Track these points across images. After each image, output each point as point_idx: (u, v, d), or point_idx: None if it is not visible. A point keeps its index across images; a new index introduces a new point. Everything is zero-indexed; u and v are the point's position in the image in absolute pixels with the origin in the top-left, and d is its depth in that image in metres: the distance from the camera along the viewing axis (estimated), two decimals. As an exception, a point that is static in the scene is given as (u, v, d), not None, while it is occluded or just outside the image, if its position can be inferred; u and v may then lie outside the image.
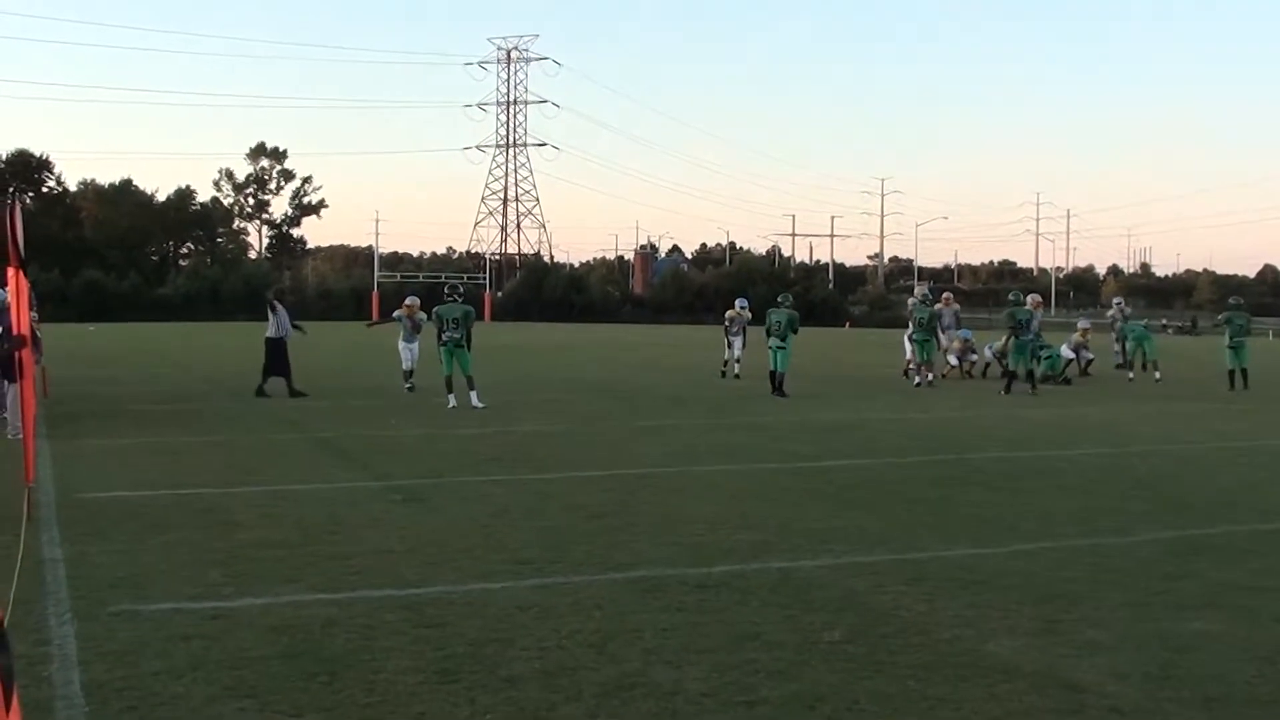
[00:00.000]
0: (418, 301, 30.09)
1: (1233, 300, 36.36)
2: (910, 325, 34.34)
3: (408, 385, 28.22)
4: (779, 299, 30.45)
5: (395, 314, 30.10)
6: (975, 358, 36.67)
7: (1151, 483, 16.20)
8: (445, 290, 26.60)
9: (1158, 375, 35.18)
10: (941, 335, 34.87)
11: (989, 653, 8.23)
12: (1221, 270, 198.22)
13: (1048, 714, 7.10)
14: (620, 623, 8.77)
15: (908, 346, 34.76)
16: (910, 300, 38.65)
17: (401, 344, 29.03)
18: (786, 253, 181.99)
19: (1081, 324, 39.43)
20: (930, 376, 32.80)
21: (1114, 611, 9.35)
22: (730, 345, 34.77)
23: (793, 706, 7.14)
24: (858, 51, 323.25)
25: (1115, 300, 39.87)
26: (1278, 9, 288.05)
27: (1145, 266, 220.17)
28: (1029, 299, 31.82)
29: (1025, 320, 30.47)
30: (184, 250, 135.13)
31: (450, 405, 24.31)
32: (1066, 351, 36.15)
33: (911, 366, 34.32)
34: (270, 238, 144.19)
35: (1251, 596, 9.91)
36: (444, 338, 24.99)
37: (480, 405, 24.26)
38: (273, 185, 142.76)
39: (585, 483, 15.48)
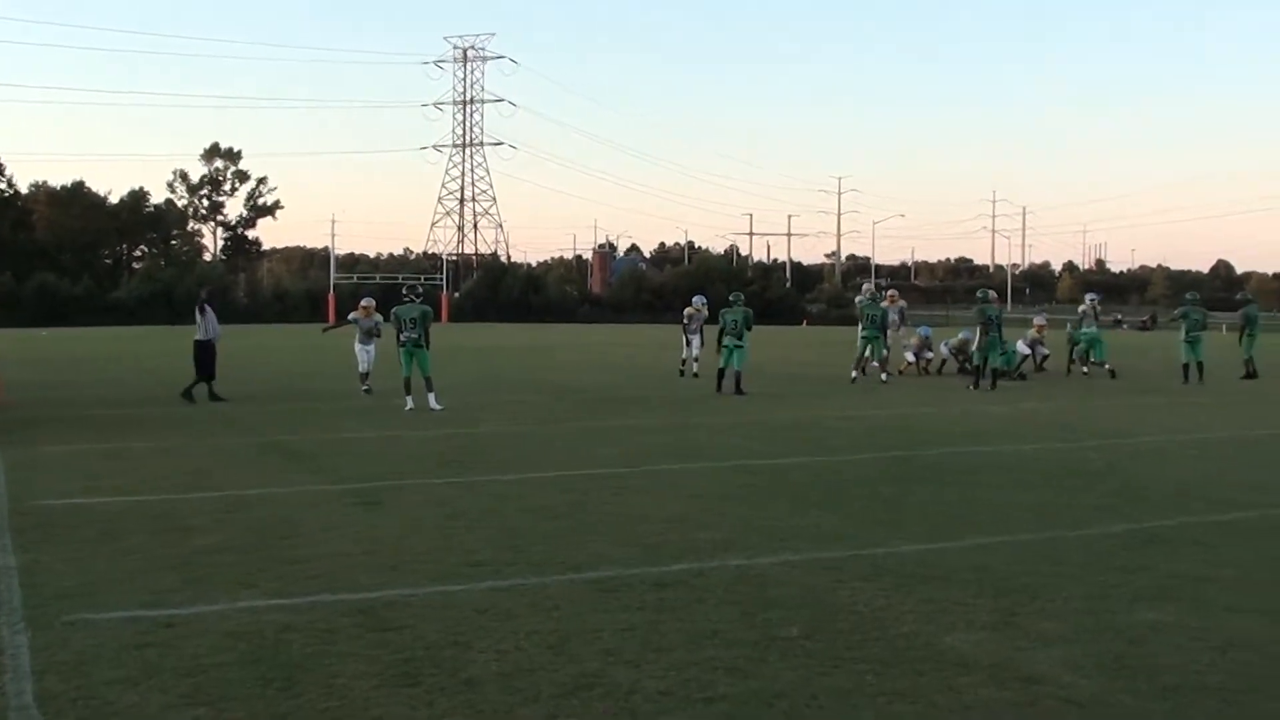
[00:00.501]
0: (373, 303, 29.84)
1: (1189, 296, 36.62)
2: (860, 322, 34.48)
3: (364, 388, 28.09)
4: (731, 298, 30.58)
5: (351, 316, 29.88)
6: (931, 355, 36.79)
7: (1106, 476, 16.27)
8: (404, 291, 26.43)
9: (1111, 372, 35.24)
10: (888, 333, 35.11)
11: (946, 646, 8.26)
12: (1176, 266, 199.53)
13: (1005, 706, 7.13)
14: (578, 623, 8.76)
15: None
16: (858, 298, 38.78)
17: (358, 346, 28.82)
18: (744, 252, 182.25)
19: (1037, 320, 39.62)
20: (884, 376, 32.88)
21: (1070, 604, 9.40)
22: (689, 343, 34.76)
23: (751, 703, 7.15)
24: (815, 51, 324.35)
25: (1089, 296, 39.95)
26: (1228, 8, 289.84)
27: (1100, 263, 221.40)
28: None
29: (994, 317, 30.86)
30: (138, 253, 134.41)
31: (408, 407, 24.25)
32: (1022, 347, 36.28)
33: (875, 363, 34.52)
34: (225, 240, 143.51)
35: (1205, 587, 9.98)
36: (402, 338, 24.92)
37: (438, 408, 24.20)
38: (227, 187, 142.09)
39: (543, 484, 15.46)
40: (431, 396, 24.55)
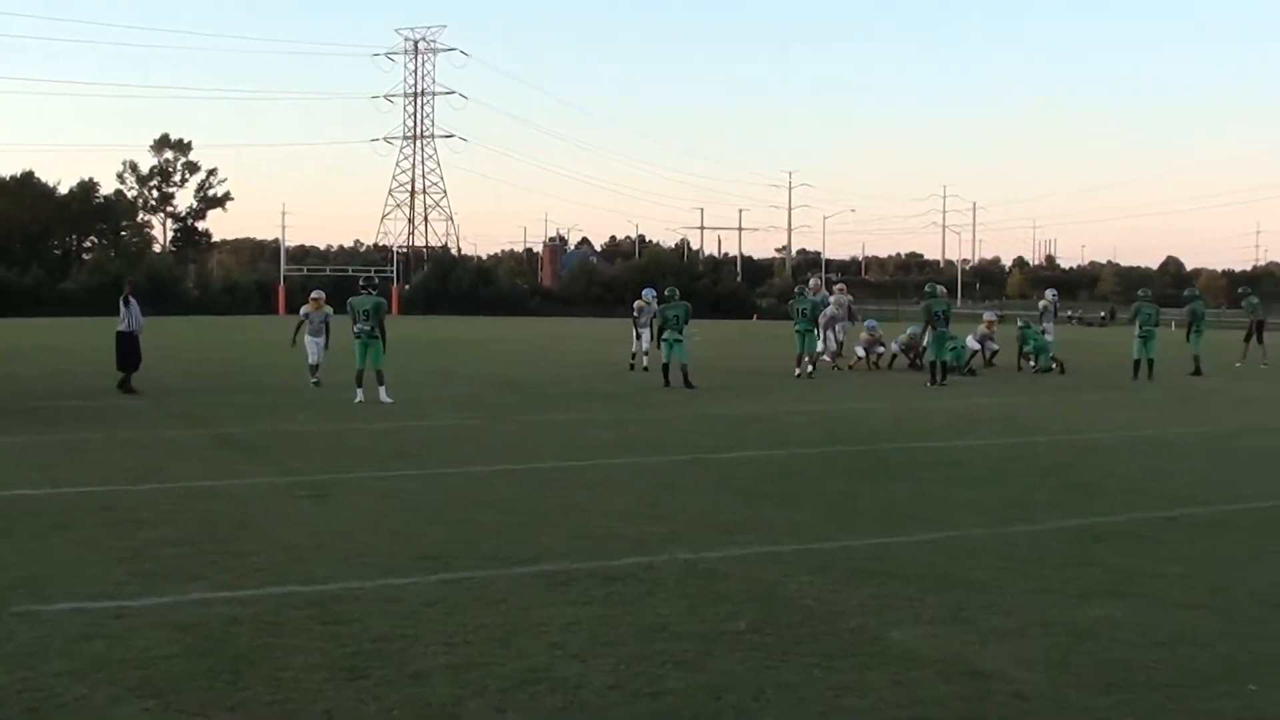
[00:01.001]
0: (323, 295, 29.70)
1: (1141, 292, 36.98)
2: (792, 317, 34.70)
3: (314, 380, 27.96)
4: (667, 293, 30.76)
5: (302, 310, 29.72)
6: (882, 349, 36.90)
7: (1056, 472, 16.37)
8: (360, 283, 26.46)
9: (1060, 366, 35.44)
10: (835, 328, 35.51)
11: (894, 641, 8.29)
12: (1125, 262, 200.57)
13: (953, 701, 7.15)
14: (527, 617, 8.75)
15: (825, 337, 35.31)
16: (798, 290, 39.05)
17: (308, 339, 28.68)
18: (695, 246, 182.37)
19: (987, 315, 39.78)
20: (811, 369, 33.02)
21: (1018, 599, 9.44)
22: (639, 336, 34.80)
23: (699, 697, 7.16)
24: (767, 45, 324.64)
25: (1049, 292, 40.21)
26: (1177, 5, 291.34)
27: (1050, 259, 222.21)
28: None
29: (942, 312, 31.11)
30: (87, 244, 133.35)
31: (358, 400, 24.15)
32: (972, 343, 36.43)
33: (826, 357, 34.82)
34: (175, 231, 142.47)
35: (1153, 583, 10.05)
36: (356, 329, 24.84)
37: (388, 401, 24.07)
38: (177, 178, 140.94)
39: (493, 477, 15.45)
40: (382, 390, 24.43)
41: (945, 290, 34.71)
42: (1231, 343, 41.88)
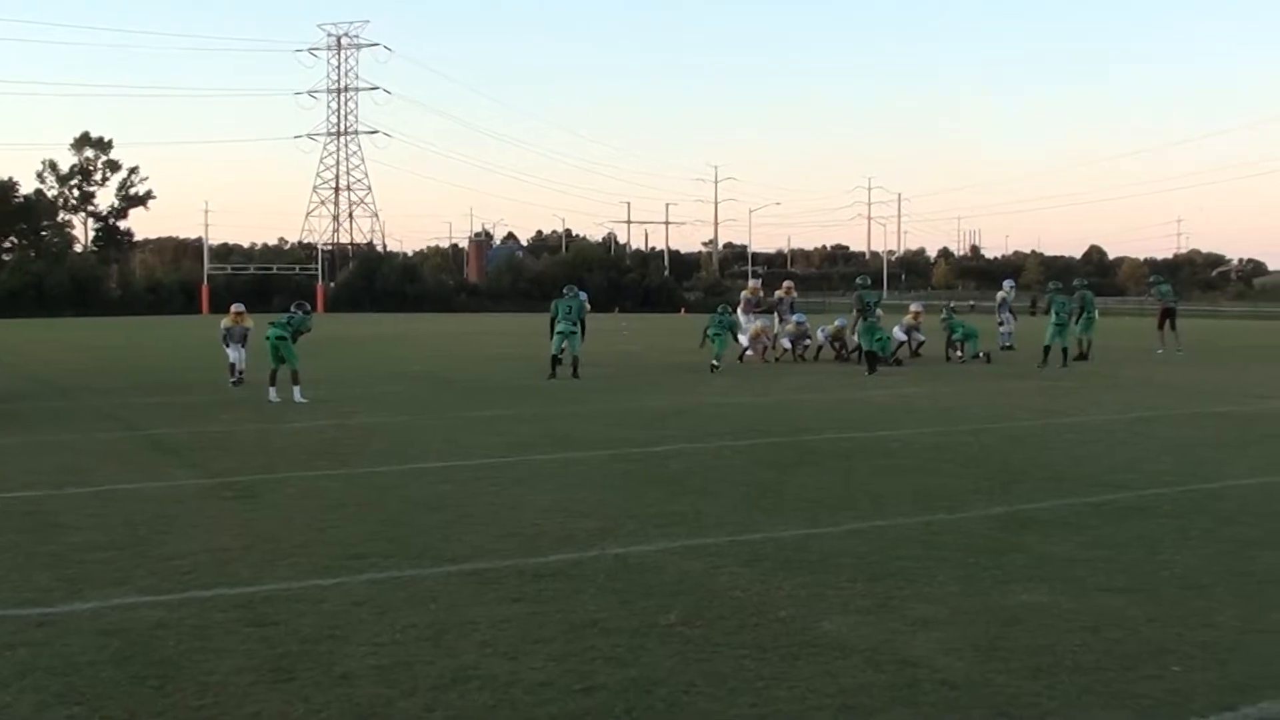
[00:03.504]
0: (244, 309, 29.39)
1: (1052, 284, 37.73)
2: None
3: (233, 379, 27.77)
4: (565, 290, 31.39)
5: (222, 324, 29.34)
6: (809, 341, 37.04)
7: (982, 460, 16.49)
8: (292, 306, 26.46)
9: (986, 356, 35.81)
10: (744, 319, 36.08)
11: (823, 631, 8.32)
12: (1050, 251, 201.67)
13: (881, 689, 7.19)
14: (456, 615, 8.73)
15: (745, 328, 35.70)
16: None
17: (228, 345, 28.50)
18: (622, 240, 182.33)
19: (913, 306, 39.98)
20: (717, 364, 33.23)
21: (945, 587, 9.51)
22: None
23: (630, 691, 7.16)
24: (691, 39, 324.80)
25: (1007, 283, 40.60)
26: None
27: (975, 249, 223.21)
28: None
29: (873, 303, 31.88)
30: (7, 244, 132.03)
31: (271, 399, 24.13)
32: (898, 334, 36.68)
33: (746, 354, 35.19)
34: (97, 230, 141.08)
35: (1077, 568, 10.15)
36: (268, 331, 25.03)
37: (302, 400, 24.05)
38: (98, 176, 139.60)
39: (420, 475, 15.40)
40: (296, 390, 24.39)
41: (872, 282, 35.18)
42: (1149, 330, 42.24)
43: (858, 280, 35.09)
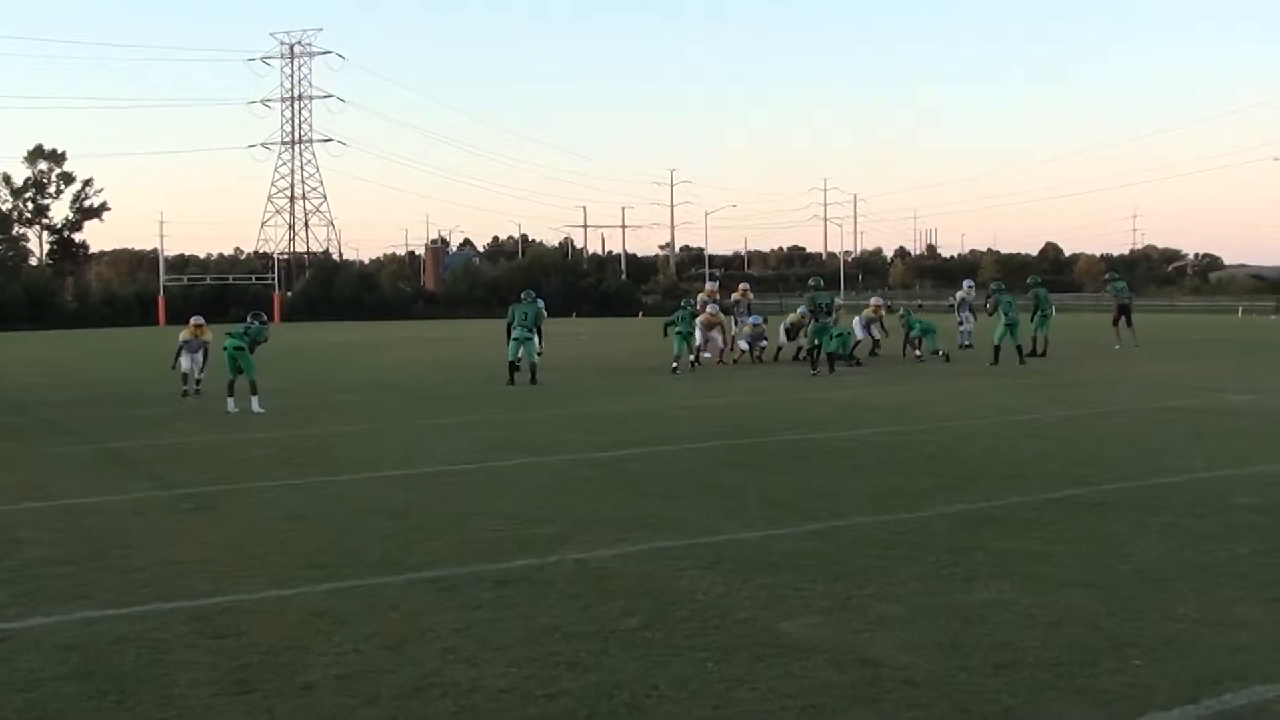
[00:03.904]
0: (203, 321, 29.14)
1: (993, 285, 38.22)
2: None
3: (184, 389, 27.51)
4: (522, 295, 31.46)
5: (180, 336, 29.06)
6: (765, 343, 37.14)
7: (940, 458, 16.54)
8: (249, 316, 26.58)
9: (945, 357, 35.97)
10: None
11: (785, 632, 8.34)
12: (1006, 249, 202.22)
13: (844, 689, 7.20)
14: (417, 623, 8.71)
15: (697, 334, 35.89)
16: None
17: (183, 356, 28.26)
18: (579, 244, 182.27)
19: (874, 300, 40.17)
20: (676, 366, 33.64)
21: (905, 585, 9.53)
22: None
23: (592, 696, 7.16)
24: (644, 43, 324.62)
25: (966, 282, 40.87)
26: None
27: (931, 248, 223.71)
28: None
29: (825, 304, 32.66)
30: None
31: (229, 409, 24.05)
32: (859, 330, 36.80)
33: (703, 355, 35.38)
34: (51, 243, 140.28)
35: (1037, 564, 10.20)
36: (225, 341, 24.96)
37: (260, 410, 23.98)
38: (52, 189, 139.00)
39: (379, 483, 15.36)
40: (254, 400, 24.35)
41: (824, 283, 35.57)
42: (1105, 326, 42.41)
43: (810, 282, 35.55)
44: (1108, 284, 41.59)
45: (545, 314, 33.14)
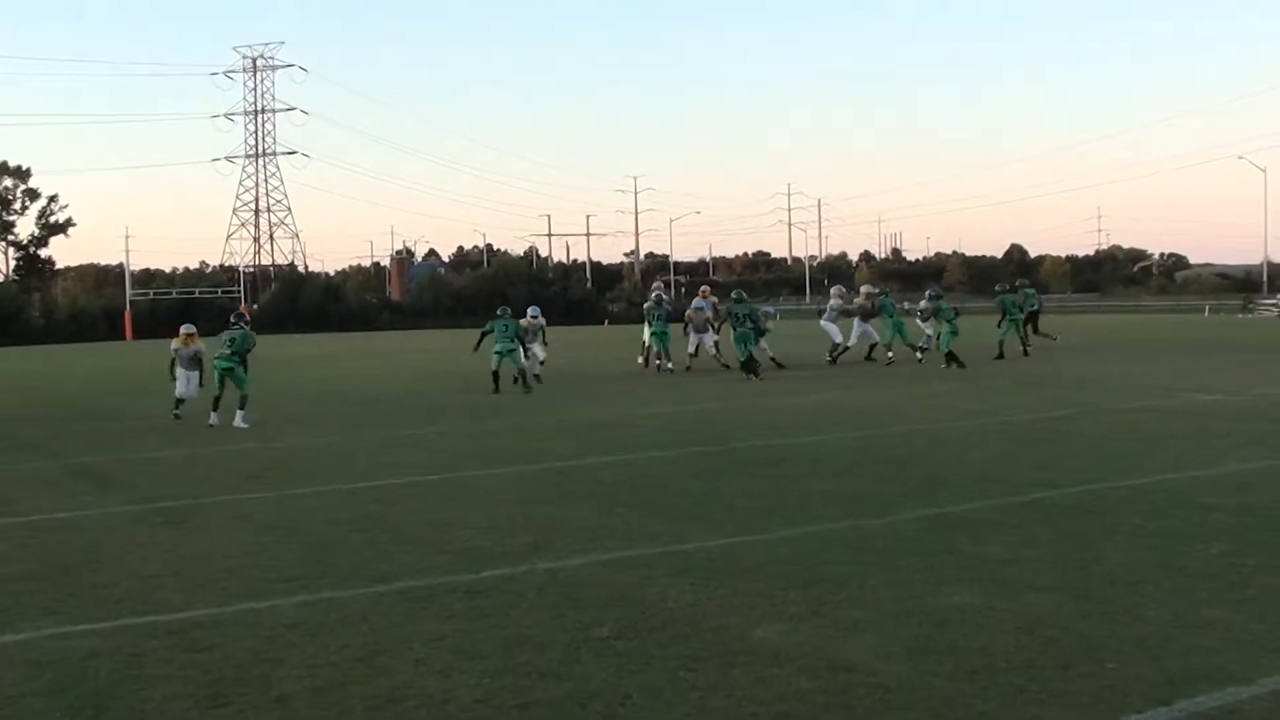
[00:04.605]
0: (194, 330, 27.81)
1: (931, 293, 38.37)
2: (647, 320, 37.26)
3: (175, 412, 26.08)
4: (499, 311, 31.57)
5: (172, 346, 28.11)
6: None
7: (909, 463, 16.58)
8: (231, 318, 26.34)
9: (919, 356, 36.25)
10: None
11: (757, 639, 8.34)
12: (971, 251, 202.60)
13: (817, 695, 7.21)
14: (389, 635, 8.70)
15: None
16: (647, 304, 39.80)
17: (180, 371, 26.44)
18: (544, 253, 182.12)
19: (865, 289, 40.69)
20: (671, 365, 35.35)
21: (877, 591, 9.55)
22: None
23: (565, 706, 7.16)
24: (605, 51, 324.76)
25: (928, 291, 41.12)
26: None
27: (896, 251, 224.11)
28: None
29: (743, 314, 33.98)
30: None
31: (211, 422, 24.06)
32: (831, 329, 37.25)
33: (653, 359, 35.83)
34: (17, 259, 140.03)
35: (1008, 568, 10.22)
36: (216, 355, 24.86)
37: (243, 426, 23.87)
38: (17, 205, 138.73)
39: (349, 495, 15.33)
40: (240, 414, 24.25)
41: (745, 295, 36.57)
42: (1065, 326, 42.65)
43: (732, 295, 36.30)
44: (1017, 290, 41.83)
45: (543, 321, 33.57)
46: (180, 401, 26.05)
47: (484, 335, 31.12)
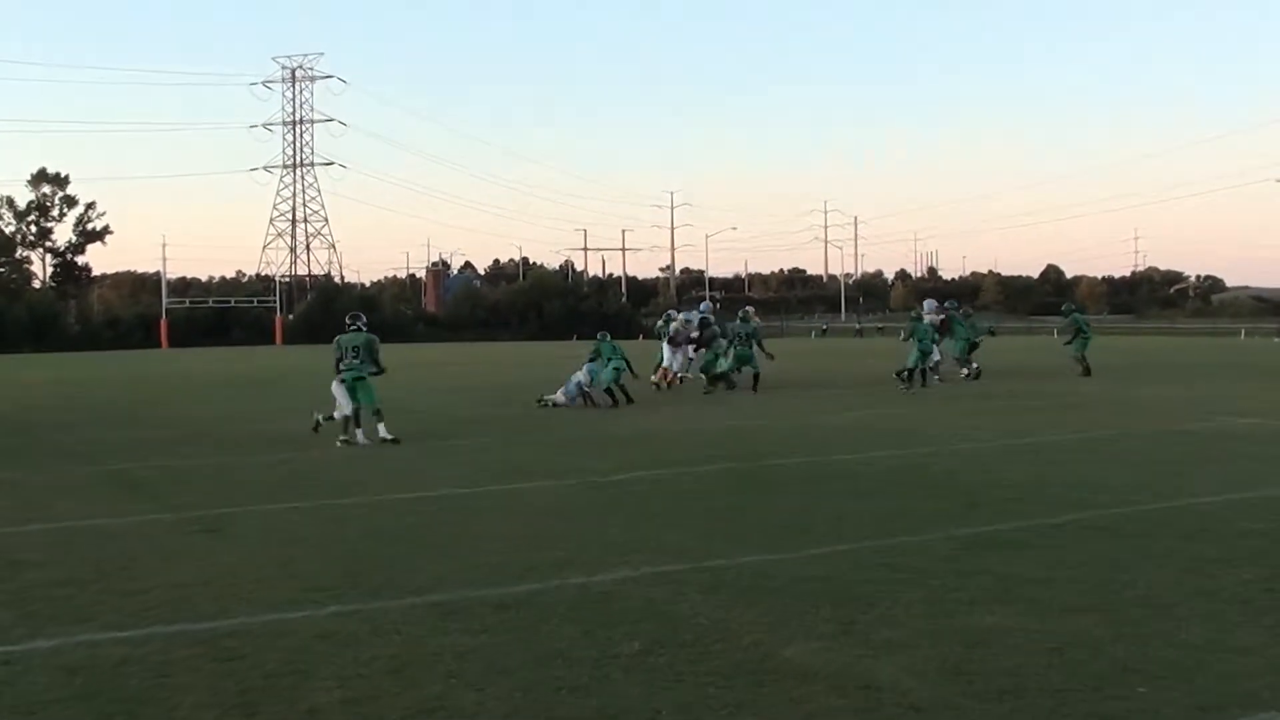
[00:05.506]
0: (363, 318, 24.63)
1: (913, 314, 39.22)
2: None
3: (344, 437, 23.06)
4: (347, 320, 27.93)
5: (337, 340, 25.97)
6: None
7: (943, 482, 16.52)
8: (347, 319, 24.25)
9: (937, 378, 36.29)
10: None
11: (787, 657, 8.31)
12: (1007, 272, 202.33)
13: (846, 714, 7.18)
14: (420, 647, 8.69)
15: (665, 354, 38.21)
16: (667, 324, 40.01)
17: (335, 384, 23.89)
18: (580, 267, 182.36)
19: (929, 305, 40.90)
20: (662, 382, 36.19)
21: (909, 610, 9.50)
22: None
23: (596, 721, 7.16)
24: (645, 65, 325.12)
25: (925, 300, 41.14)
26: (1048, 17, 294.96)
27: (932, 270, 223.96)
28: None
29: (745, 334, 35.31)
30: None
31: (361, 442, 22.57)
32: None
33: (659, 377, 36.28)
34: (55, 266, 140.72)
35: (1041, 589, 10.15)
36: (343, 366, 23.26)
37: (388, 437, 22.77)
38: (55, 212, 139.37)
39: (382, 506, 15.34)
40: (381, 427, 22.92)
41: (753, 310, 37.34)
42: (1108, 348, 42.57)
43: (739, 313, 37.11)
44: (967, 318, 41.84)
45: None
46: (346, 420, 23.29)
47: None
